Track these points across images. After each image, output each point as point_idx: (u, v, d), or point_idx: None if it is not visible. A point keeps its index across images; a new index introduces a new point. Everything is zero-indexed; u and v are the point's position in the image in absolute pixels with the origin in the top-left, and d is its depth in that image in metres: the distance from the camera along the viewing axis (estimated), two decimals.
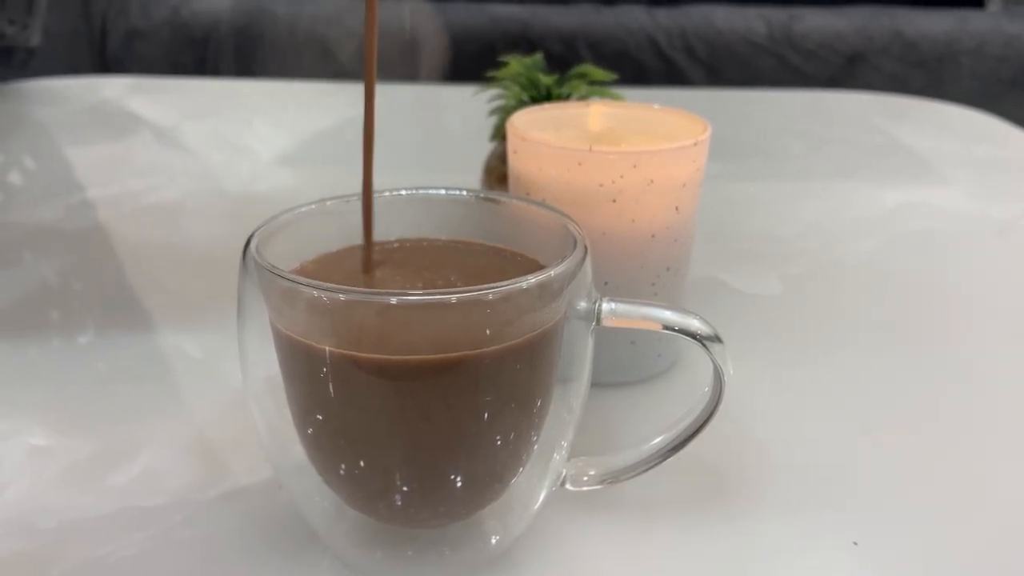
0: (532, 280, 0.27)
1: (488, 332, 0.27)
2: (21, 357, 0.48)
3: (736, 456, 0.40)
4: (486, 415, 0.28)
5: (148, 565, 0.33)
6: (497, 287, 0.27)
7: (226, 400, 0.43)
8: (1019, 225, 0.68)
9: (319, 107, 1.03)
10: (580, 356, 0.32)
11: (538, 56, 0.59)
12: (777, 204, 0.72)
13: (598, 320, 0.31)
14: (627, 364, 0.45)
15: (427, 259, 0.33)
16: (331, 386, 0.28)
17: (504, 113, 0.58)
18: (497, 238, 0.34)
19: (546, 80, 0.57)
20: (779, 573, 0.33)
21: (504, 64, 0.58)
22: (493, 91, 0.59)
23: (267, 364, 0.31)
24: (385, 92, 1.15)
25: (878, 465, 0.39)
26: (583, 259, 0.30)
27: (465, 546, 0.33)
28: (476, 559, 0.33)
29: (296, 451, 0.32)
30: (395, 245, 0.34)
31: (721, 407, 0.33)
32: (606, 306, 0.31)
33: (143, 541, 0.34)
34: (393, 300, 0.26)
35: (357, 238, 0.33)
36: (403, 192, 0.35)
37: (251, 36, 1.61)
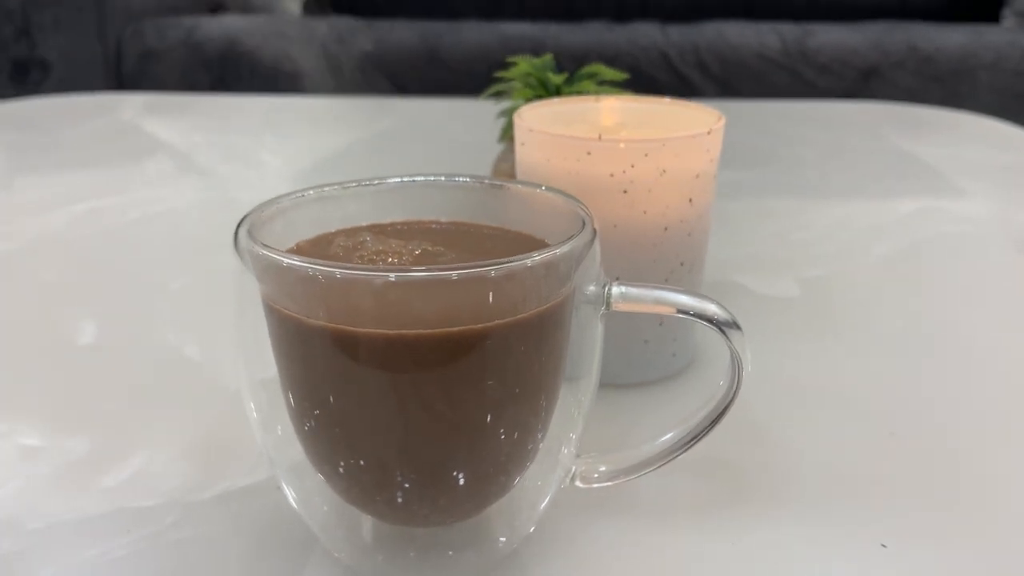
0: (537, 258, 0.26)
1: (490, 311, 0.26)
2: (17, 358, 0.47)
3: (755, 456, 0.38)
4: (489, 400, 0.27)
5: (139, 566, 0.32)
6: (500, 263, 0.25)
7: (222, 403, 0.42)
8: None
9: (331, 123, 1.03)
10: (589, 344, 0.30)
11: (548, 57, 0.58)
12: (793, 210, 0.71)
13: (607, 304, 0.29)
14: (640, 363, 0.43)
15: (430, 236, 0.32)
16: (329, 366, 0.26)
17: (513, 113, 0.57)
18: (505, 223, 0.33)
19: (556, 79, 0.56)
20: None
21: (514, 64, 0.57)
22: (502, 91, 0.58)
23: (263, 360, 0.30)
24: (396, 106, 1.14)
25: (905, 466, 0.37)
26: (591, 240, 0.28)
27: (470, 547, 0.32)
28: (481, 560, 0.31)
29: (294, 451, 0.31)
30: (399, 226, 0.33)
31: (739, 401, 0.31)
32: (616, 289, 0.29)
33: (135, 542, 0.33)
34: (392, 277, 0.25)
35: (354, 223, 0.32)
36: (405, 179, 0.34)
37: (264, 56, 1.61)
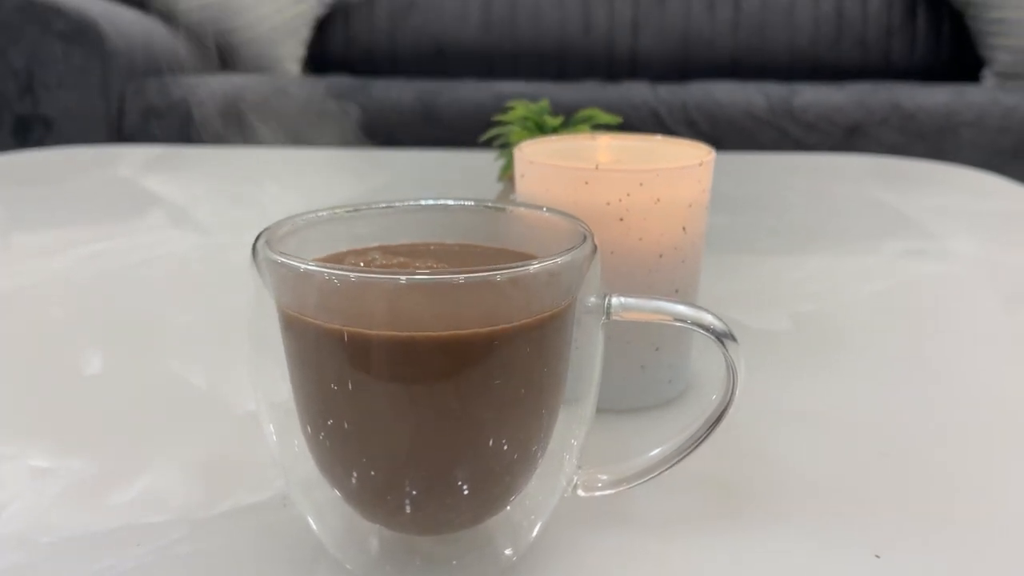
0: (540, 264, 0.27)
1: (495, 315, 0.27)
2: (25, 387, 0.48)
3: (751, 472, 0.39)
4: (494, 401, 0.28)
5: None
6: (505, 268, 0.27)
7: (228, 427, 0.43)
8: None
9: (330, 175, 1.05)
10: (590, 353, 0.31)
11: (544, 102, 0.60)
12: (782, 252, 0.73)
13: (607, 314, 0.31)
14: (637, 389, 0.44)
15: (437, 255, 0.33)
16: (344, 368, 0.27)
17: (510, 154, 0.59)
18: (509, 244, 0.34)
19: (552, 122, 0.58)
20: None
21: (511, 108, 0.59)
22: (500, 134, 0.60)
23: (278, 381, 0.31)
24: (393, 158, 1.16)
25: (896, 482, 0.38)
26: (592, 253, 0.30)
27: (474, 556, 0.32)
28: (485, 569, 0.32)
29: (307, 466, 0.32)
30: (406, 247, 0.34)
31: (735, 422, 0.32)
32: (616, 300, 0.31)
33: (142, 556, 0.33)
34: (403, 280, 0.26)
35: (364, 244, 0.34)
36: (412, 202, 0.35)
37: (267, 113, 1.65)
